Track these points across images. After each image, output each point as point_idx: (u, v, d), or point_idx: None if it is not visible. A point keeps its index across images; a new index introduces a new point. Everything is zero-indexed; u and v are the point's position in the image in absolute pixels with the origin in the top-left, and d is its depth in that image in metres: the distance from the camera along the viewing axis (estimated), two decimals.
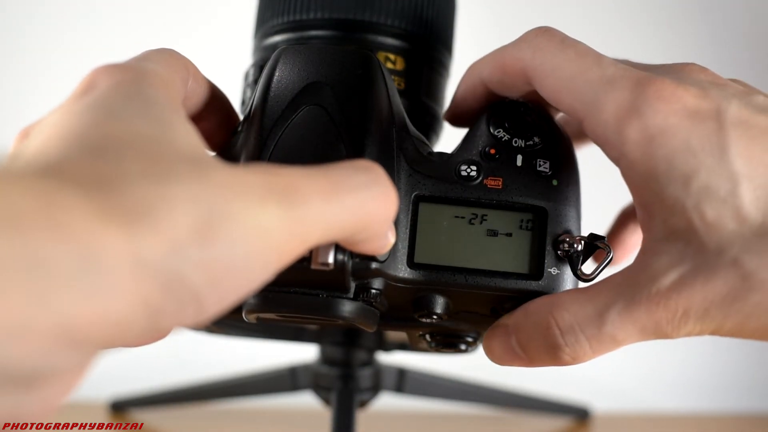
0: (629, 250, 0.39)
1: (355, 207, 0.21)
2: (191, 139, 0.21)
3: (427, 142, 0.30)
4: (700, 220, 0.25)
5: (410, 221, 0.28)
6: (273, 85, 0.28)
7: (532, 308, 0.27)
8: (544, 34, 0.28)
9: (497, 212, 0.28)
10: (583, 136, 0.37)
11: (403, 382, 0.50)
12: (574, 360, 0.27)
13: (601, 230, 0.28)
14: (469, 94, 0.31)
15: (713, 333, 0.25)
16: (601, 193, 0.41)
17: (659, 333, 0.25)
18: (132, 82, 0.22)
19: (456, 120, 0.33)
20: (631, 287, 0.26)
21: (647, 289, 0.25)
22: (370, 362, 0.46)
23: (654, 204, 0.26)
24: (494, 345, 0.28)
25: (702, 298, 0.24)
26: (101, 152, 0.18)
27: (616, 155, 0.26)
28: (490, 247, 0.28)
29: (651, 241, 0.26)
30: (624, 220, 0.39)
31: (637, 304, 0.25)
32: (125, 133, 0.19)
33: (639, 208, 0.27)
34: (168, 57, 0.25)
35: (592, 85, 0.26)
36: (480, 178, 0.28)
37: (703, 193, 0.24)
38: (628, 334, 0.26)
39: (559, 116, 0.33)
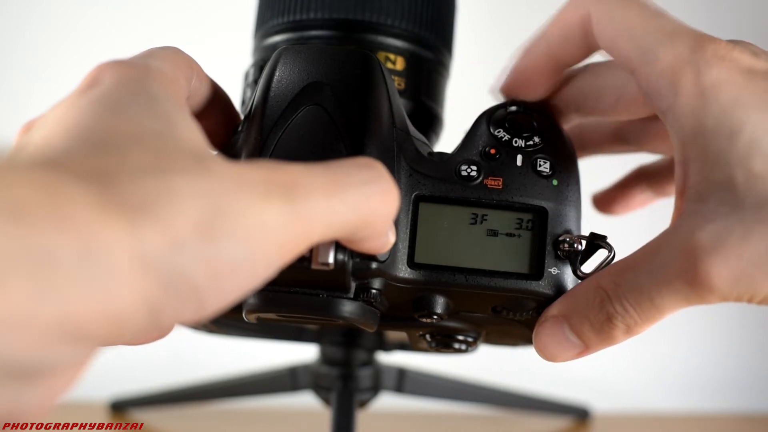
0: (632, 207, 0.39)
1: (357, 203, 0.21)
2: (194, 135, 0.21)
3: (427, 142, 0.30)
4: (744, 174, 0.24)
5: (410, 221, 0.28)
6: (273, 85, 0.28)
7: (578, 290, 0.27)
8: None
9: (497, 212, 0.28)
10: (590, 145, 0.37)
11: (403, 382, 0.50)
12: (628, 331, 0.26)
13: (602, 230, 0.28)
14: (530, 64, 0.31)
15: (751, 298, 0.25)
16: None
17: (694, 296, 0.25)
18: (136, 79, 0.22)
19: (513, 91, 0.32)
20: (663, 250, 0.25)
21: (678, 251, 0.25)
22: (370, 362, 0.46)
23: (695, 159, 0.26)
24: (547, 339, 0.28)
25: (737, 256, 0.24)
26: (105, 146, 0.18)
27: (665, 106, 0.26)
28: (491, 247, 0.28)
29: (685, 202, 0.26)
30: (638, 176, 0.39)
31: (668, 266, 0.25)
32: (129, 128, 0.19)
33: (679, 165, 0.27)
34: (173, 55, 0.25)
35: (651, 35, 0.27)
36: (480, 178, 0.28)
37: (748, 147, 0.24)
38: (666, 300, 0.25)
39: (567, 125, 0.33)
